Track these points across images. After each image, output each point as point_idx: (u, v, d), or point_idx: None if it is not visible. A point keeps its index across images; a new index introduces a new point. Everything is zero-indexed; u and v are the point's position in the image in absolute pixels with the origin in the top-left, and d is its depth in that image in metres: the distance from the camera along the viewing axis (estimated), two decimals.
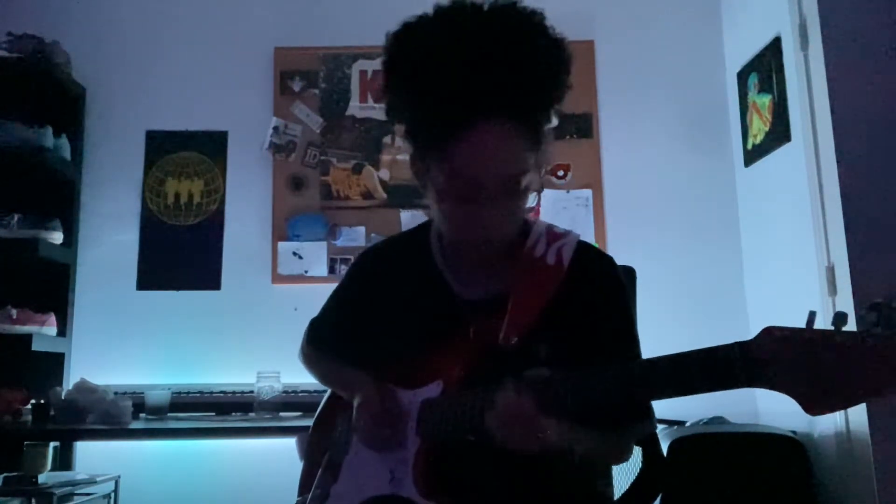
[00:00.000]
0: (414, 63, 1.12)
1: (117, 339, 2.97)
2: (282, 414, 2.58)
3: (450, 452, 1.16)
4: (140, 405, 2.54)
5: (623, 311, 1.24)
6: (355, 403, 1.24)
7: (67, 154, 2.96)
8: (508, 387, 1.02)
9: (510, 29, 1.09)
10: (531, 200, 1.16)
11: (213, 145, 3.15)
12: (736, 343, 0.89)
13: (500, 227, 1.14)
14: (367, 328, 1.35)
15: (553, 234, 1.26)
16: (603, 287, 1.22)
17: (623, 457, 1.23)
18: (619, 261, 1.30)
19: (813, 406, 0.84)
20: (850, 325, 0.84)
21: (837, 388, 0.82)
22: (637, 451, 1.45)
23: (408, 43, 1.14)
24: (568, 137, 3.14)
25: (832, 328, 0.84)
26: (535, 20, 1.12)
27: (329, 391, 1.45)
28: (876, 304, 0.81)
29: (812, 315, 0.86)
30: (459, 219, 1.15)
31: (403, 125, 1.19)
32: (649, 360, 0.97)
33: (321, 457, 1.32)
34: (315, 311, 1.50)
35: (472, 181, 1.10)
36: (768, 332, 0.87)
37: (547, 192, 3.10)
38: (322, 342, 1.45)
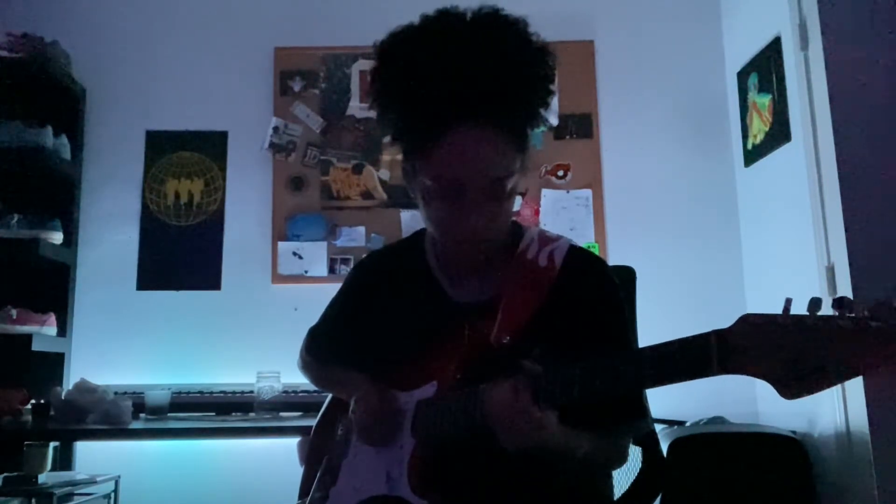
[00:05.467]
0: (398, 70, 1.15)
1: (117, 339, 2.97)
2: (282, 414, 2.58)
3: (445, 452, 1.17)
4: (140, 405, 2.53)
5: (615, 312, 1.24)
6: (353, 400, 1.25)
7: (67, 154, 2.95)
8: (500, 381, 1.03)
9: (491, 36, 1.12)
10: (516, 204, 1.18)
11: (213, 145, 3.15)
12: (713, 331, 0.90)
13: (484, 230, 1.15)
14: (364, 334, 1.37)
15: (545, 238, 1.28)
16: (594, 288, 1.23)
17: (619, 458, 1.23)
18: (619, 261, 1.30)
19: (788, 390, 0.85)
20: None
21: (810, 370, 0.83)
22: (637, 451, 1.45)
23: (392, 51, 1.17)
24: (568, 137, 3.13)
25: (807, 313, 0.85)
26: (517, 27, 1.14)
27: (330, 396, 1.47)
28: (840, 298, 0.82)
29: (788, 302, 0.86)
30: (445, 221, 1.18)
31: (391, 130, 1.21)
32: (632, 351, 0.98)
33: (322, 460, 1.33)
34: (315, 311, 1.50)
35: (454, 184, 1.12)
36: (745, 319, 0.88)
37: (547, 192, 3.11)
38: (321, 351, 1.47)
